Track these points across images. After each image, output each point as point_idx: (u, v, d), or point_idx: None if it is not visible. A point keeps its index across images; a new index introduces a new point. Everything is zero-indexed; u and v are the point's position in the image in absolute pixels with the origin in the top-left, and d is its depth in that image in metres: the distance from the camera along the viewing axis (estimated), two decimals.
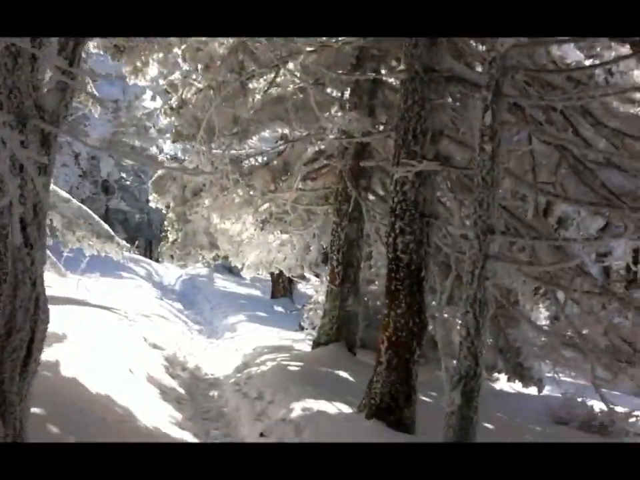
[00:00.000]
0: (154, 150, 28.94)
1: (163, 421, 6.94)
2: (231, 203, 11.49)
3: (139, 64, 9.69)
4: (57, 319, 8.52)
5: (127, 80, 10.48)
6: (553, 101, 5.77)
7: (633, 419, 9.30)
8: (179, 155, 24.15)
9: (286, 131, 10.64)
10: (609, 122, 7.00)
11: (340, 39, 8.20)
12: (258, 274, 14.09)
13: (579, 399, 9.71)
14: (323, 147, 10.90)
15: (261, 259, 13.11)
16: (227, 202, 11.49)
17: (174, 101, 10.89)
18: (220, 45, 9.42)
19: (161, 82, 12.47)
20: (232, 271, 24.16)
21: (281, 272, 14.24)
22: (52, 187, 13.95)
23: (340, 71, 8.52)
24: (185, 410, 7.99)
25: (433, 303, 7.92)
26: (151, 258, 32.70)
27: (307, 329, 12.63)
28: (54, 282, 14.04)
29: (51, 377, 6.49)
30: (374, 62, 9.38)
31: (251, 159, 11.67)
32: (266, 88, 10.03)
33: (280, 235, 12.37)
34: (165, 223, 13.51)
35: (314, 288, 13.36)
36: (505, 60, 5.24)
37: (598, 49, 7.48)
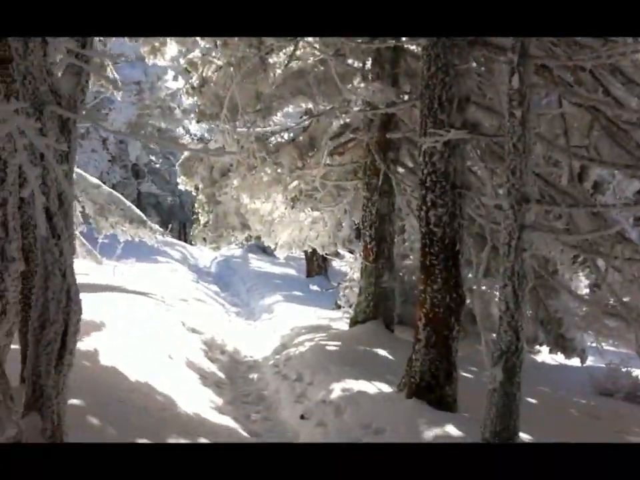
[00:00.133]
0: (180, 131, 28.95)
1: (203, 406, 6.93)
2: (259, 182, 11.39)
3: (156, 44, 9.57)
4: (95, 307, 8.67)
5: (146, 60, 10.39)
6: (582, 60, 5.52)
7: None
8: (205, 135, 24.15)
9: (310, 105, 10.46)
10: None
11: None
12: (291, 253, 13.99)
13: (624, 369, 9.55)
14: (348, 120, 10.72)
15: (293, 237, 13.03)
16: (256, 181, 11.39)
17: (195, 80, 10.78)
18: None
19: (182, 61, 12.35)
20: (266, 251, 24.11)
21: (314, 250, 14.12)
22: (82, 173, 14.06)
23: (359, 40, 8.27)
24: (225, 394, 7.99)
25: (470, 275, 7.73)
26: (185, 241, 32.84)
27: (343, 307, 12.51)
28: (90, 269, 14.18)
29: (90, 366, 6.53)
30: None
31: (277, 136, 11.50)
32: (286, 62, 9.85)
33: (311, 212, 12.25)
34: (195, 205, 13.47)
35: (349, 265, 13.23)
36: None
37: None
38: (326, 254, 13.89)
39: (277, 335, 11.19)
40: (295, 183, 11.44)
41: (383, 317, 10.11)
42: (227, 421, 6.70)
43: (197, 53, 11.14)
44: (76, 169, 13.93)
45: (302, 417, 6.90)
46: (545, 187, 6.82)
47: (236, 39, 9.35)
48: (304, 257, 21.47)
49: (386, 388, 7.07)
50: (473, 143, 7.19)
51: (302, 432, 6.61)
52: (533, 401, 7.89)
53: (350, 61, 9.97)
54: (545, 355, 11.35)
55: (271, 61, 9.97)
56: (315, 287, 18.79)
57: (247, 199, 12.11)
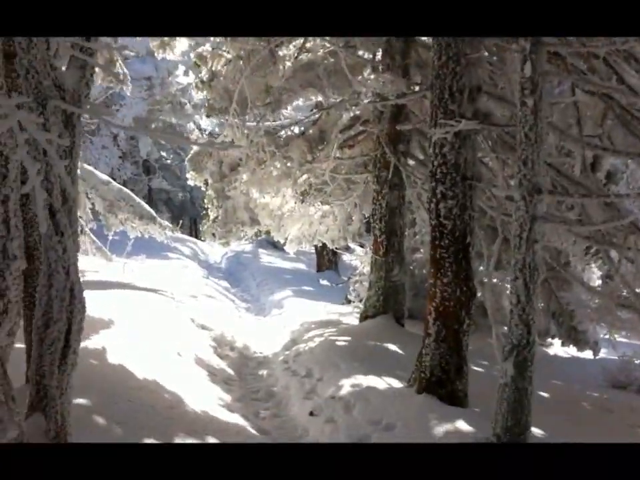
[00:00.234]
0: (191, 126, 28.89)
1: (211, 404, 6.88)
2: (269, 176, 11.32)
3: (166, 38, 9.49)
4: (104, 304, 8.65)
5: (155, 55, 10.32)
6: (596, 47, 5.39)
7: None
8: (216, 130, 24.08)
9: (319, 98, 10.36)
10: None
11: None
12: (301, 248, 13.90)
13: (637, 361, 9.45)
14: (358, 112, 10.63)
15: (303, 232, 12.94)
16: (265, 175, 11.31)
17: (204, 74, 10.70)
18: None
19: (192, 56, 12.29)
20: (276, 246, 24.05)
21: (324, 244, 14.02)
22: (91, 169, 14.02)
23: None
24: (234, 391, 7.95)
25: (481, 268, 7.62)
26: (196, 237, 32.82)
27: (353, 302, 12.42)
28: (101, 266, 14.17)
29: (98, 364, 6.48)
30: None
31: (286, 130, 11.41)
32: (296, 54, 9.75)
33: (321, 206, 12.15)
34: (205, 200, 13.41)
35: (359, 259, 13.14)
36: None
37: None
38: (336, 248, 13.79)
39: (286, 331, 11.13)
40: (305, 176, 11.38)
41: (393, 311, 9.99)
42: (236, 419, 6.65)
43: (206, 47, 11.06)
44: (85, 166, 13.95)
45: (311, 414, 6.83)
46: (557, 177, 6.70)
47: None
48: (314, 251, 21.37)
49: (396, 383, 6.98)
50: (484, 134, 7.08)
51: (311, 429, 6.54)
52: (545, 394, 7.80)
53: (360, 53, 9.87)
54: (557, 348, 11.25)
55: (280, 53, 9.88)
56: (325, 282, 18.69)
57: (256, 193, 12.05)
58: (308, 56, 10.07)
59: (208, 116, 11.67)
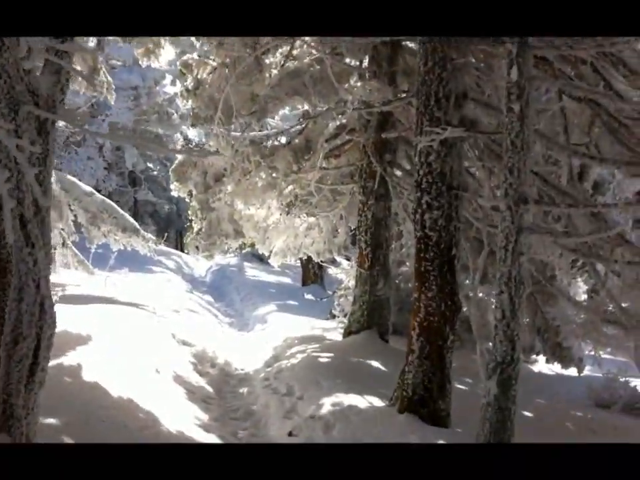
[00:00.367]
0: (178, 137, 28.71)
1: (187, 423, 6.71)
2: (254, 187, 11.13)
3: (150, 45, 9.29)
4: (83, 319, 8.46)
5: (140, 63, 10.12)
6: (584, 50, 5.22)
7: None
8: (203, 140, 23.93)
9: (306, 106, 10.19)
10: None
11: None
12: (286, 261, 13.67)
13: (622, 379, 9.31)
14: (344, 121, 10.50)
15: (288, 244, 12.77)
16: (250, 186, 11.12)
17: (189, 82, 10.50)
18: None
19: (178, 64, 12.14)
20: (262, 259, 23.81)
21: (310, 258, 13.82)
22: (74, 180, 13.77)
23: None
24: (212, 410, 7.74)
25: (466, 281, 7.41)
26: (182, 250, 32.55)
27: (338, 317, 12.21)
28: (83, 280, 13.92)
29: (71, 382, 6.31)
30: None
31: (272, 139, 11.21)
32: (282, 62, 9.57)
33: (306, 218, 11.96)
34: (189, 212, 13.19)
35: (344, 272, 12.94)
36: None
37: None
38: (321, 261, 13.57)
39: (269, 346, 10.90)
40: (290, 187, 11.20)
41: (378, 327, 9.80)
42: (212, 439, 6.46)
43: (192, 55, 10.88)
44: (68, 176, 13.71)
45: (290, 434, 6.62)
46: (544, 186, 6.51)
47: (232, 38, 9.07)
48: (300, 264, 21.15)
49: (377, 402, 6.80)
50: (470, 142, 6.92)
51: None
52: (529, 414, 7.70)
53: (347, 60, 9.71)
54: (541, 365, 11.09)
55: (267, 61, 9.69)
56: (310, 296, 18.52)
57: (241, 204, 11.84)
58: (294, 64, 9.88)
59: (193, 125, 11.48)
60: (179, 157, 12.60)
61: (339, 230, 12.19)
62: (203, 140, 24.22)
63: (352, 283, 11.18)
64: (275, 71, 9.74)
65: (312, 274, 21.02)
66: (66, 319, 8.07)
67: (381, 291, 9.79)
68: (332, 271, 15.71)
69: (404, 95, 8.81)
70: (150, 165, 33.39)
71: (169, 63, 11.89)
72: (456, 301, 6.26)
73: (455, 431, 6.05)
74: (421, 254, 6.34)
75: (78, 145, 24.77)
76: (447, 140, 6.10)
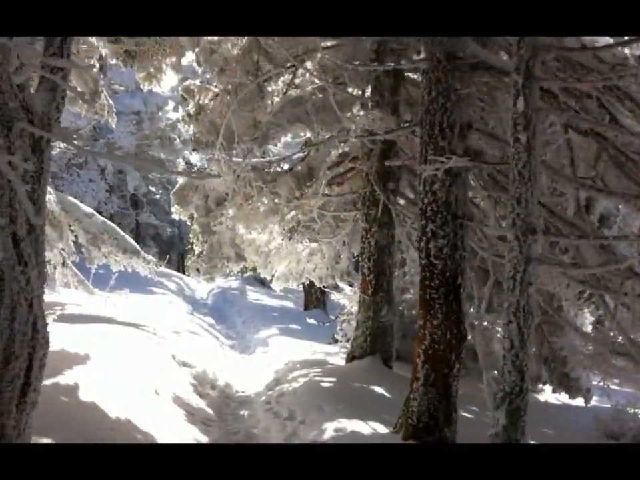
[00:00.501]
0: (180, 162, 28.79)
1: None
2: (256, 212, 11.12)
3: (152, 70, 9.35)
4: (81, 338, 8.36)
5: (141, 87, 10.18)
6: (591, 82, 5.25)
7: None
8: (205, 165, 23.97)
9: (308, 133, 10.23)
10: None
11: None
12: (288, 285, 13.66)
13: (631, 411, 9.25)
14: (347, 149, 10.55)
15: (291, 269, 12.75)
16: (252, 211, 11.11)
17: (191, 108, 10.55)
18: (233, 46, 9.02)
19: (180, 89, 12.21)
20: (264, 283, 23.80)
21: (312, 282, 13.80)
22: (75, 201, 13.78)
23: (357, 62, 8.06)
24: (212, 432, 7.65)
25: (471, 310, 7.40)
26: (183, 272, 32.54)
27: (340, 342, 12.17)
28: (83, 300, 13.86)
29: (68, 402, 6.19)
30: (394, 56, 8.86)
31: (274, 165, 11.26)
32: (284, 90, 9.63)
33: (309, 243, 11.96)
34: (190, 235, 13.18)
35: (347, 298, 12.91)
36: (535, 40, 4.78)
37: None
38: (324, 286, 13.56)
39: (270, 370, 10.85)
40: (293, 213, 11.20)
41: (381, 353, 9.78)
42: None
43: (194, 81, 10.95)
44: (69, 197, 13.72)
45: None
46: (551, 218, 6.52)
47: (233, 64, 9.13)
48: (302, 289, 21.11)
49: (381, 429, 6.75)
50: (475, 172, 6.93)
51: None
52: (536, 443, 7.51)
53: (349, 90, 9.76)
54: (547, 394, 10.99)
55: (269, 88, 9.75)
56: (312, 320, 18.42)
57: (242, 229, 11.83)
58: (296, 91, 9.94)
59: (194, 150, 11.52)
60: (180, 180, 12.62)
61: (342, 256, 12.19)
62: (205, 164, 24.29)
63: (355, 308, 11.15)
64: (277, 99, 9.80)
65: (314, 298, 21.00)
66: (64, 337, 8.02)
67: (384, 317, 9.78)
68: (334, 296, 15.71)
69: (407, 124, 8.86)
70: (152, 189, 33.47)
71: (172, 89, 11.94)
72: (462, 329, 6.24)
73: None
74: (426, 282, 6.33)
75: (80, 167, 24.84)
76: (452, 169, 6.11)
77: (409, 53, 8.61)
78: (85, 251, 13.60)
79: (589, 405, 9.65)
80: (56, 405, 5.85)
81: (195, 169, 21.55)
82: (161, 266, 15.38)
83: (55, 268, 12.88)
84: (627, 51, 6.18)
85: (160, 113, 27.57)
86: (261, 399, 9.25)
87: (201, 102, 10.47)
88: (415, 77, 9.29)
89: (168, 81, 10.16)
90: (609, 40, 6.45)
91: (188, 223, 13.21)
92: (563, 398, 10.55)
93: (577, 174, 6.57)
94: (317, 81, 9.24)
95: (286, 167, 11.56)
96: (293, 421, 7.59)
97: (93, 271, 14.11)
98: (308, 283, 14.47)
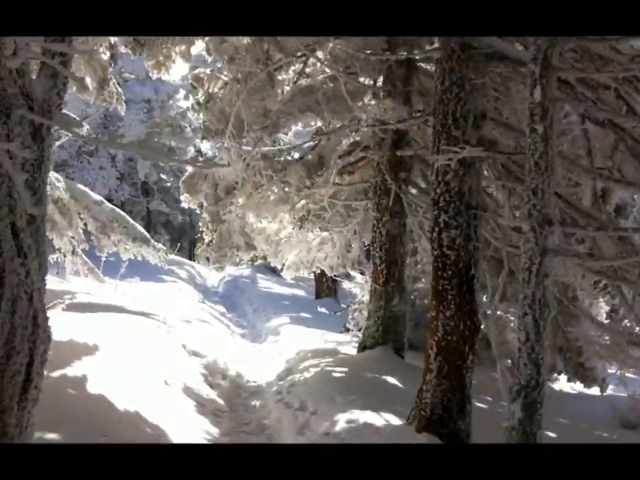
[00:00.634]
0: (191, 150, 28.77)
1: (196, 438, 6.57)
2: (266, 200, 11.07)
3: (161, 58, 9.28)
4: (90, 328, 8.30)
5: (150, 75, 10.11)
6: (611, 72, 5.14)
7: None
8: (216, 153, 23.93)
9: (318, 122, 10.14)
10: None
11: None
12: (299, 274, 13.62)
13: None
14: (358, 138, 10.46)
15: (301, 258, 12.71)
16: (262, 200, 11.06)
17: (200, 96, 10.48)
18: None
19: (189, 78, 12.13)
20: (274, 271, 23.74)
21: (323, 271, 13.76)
22: (84, 189, 13.75)
23: (369, 52, 7.94)
24: (223, 423, 7.60)
25: (485, 299, 7.31)
26: (194, 260, 32.60)
27: (352, 331, 12.13)
28: (92, 288, 13.85)
29: (76, 394, 6.12)
30: (406, 46, 8.75)
31: (284, 154, 11.18)
32: (295, 79, 9.54)
33: (319, 232, 11.90)
34: (199, 223, 13.14)
35: (358, 287, 12.86)
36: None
37: None
38: (335, 275, 13.51)
39: (282, 359, 10.83)
40: (303, 202, 11.15)
41: (393, 342, 9.72)
42: None
43: (204, 70, 10.87)
44: (79, 185, 13.69)
45: None
46: (567, 208, 6.43)
47: (243, 53, 9.04)
48: (313, 277, 21.05)
49: (394, 420, 6.68)
50: (489, 162, 6.82)
51: None
52: (552, 434, 7.45)
53: (361, 79, 9.66)
54: (562, 383, 10.91)
55: (279, 77, 9.66)
56: (323, 309, 18.40)
57: (252, 217, 11.78)
58: (307, 80, 9.85)
59: (204, 138, 11.46)
60: (190, 168, 12.56)
61: (353, 245, 12.13)
62: (216, 153, 24.25)
63: (366, 297, 11.12)
64: (287, 87, 9.72)
65: (325, 287, 20.98)
66: (73, 327, 7.99)
67: (396, 306, 9.73)
68: (346, 284, 15.68)
69: (419, 114, 8.76)
70: (163, 176, 33.49)
71: (182, 77, 11.85)
72: (475, 320, 6.16)
73: None
74: (439, 272, 6.25)
75: (90, 154, 24.84)
76: (465, 159, 6.02)
77: (422, 43, 8.49)
78: (94, 239, 13.58)
79: (604, 394, 9.54)
80: (64, 398, 5.79)
81: (205, 157, 21.50)
82: (170, 254, 15.36)
83: (65, 256, 12.86)
84: None
85: (171, 101, 27.55)
86: (272, 389, 9.22)
87: (210, 90, 10.41)
88: (428, 67, 9.21)
89: (178, 70, 10.10)
90: None
91: (197, 211, 13.16)
92: (578, 387, 10.46)
93: (594, 164, 6.46)
94: (328, 70, 9.16)
95: (296, 155, 11.49)
96: (305, 412, 7.54)
97: (103, 258, 14.09)
98: (319, 271, 14.41)
